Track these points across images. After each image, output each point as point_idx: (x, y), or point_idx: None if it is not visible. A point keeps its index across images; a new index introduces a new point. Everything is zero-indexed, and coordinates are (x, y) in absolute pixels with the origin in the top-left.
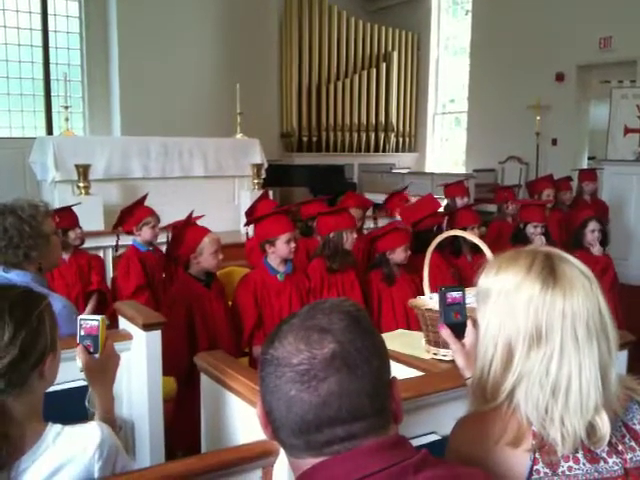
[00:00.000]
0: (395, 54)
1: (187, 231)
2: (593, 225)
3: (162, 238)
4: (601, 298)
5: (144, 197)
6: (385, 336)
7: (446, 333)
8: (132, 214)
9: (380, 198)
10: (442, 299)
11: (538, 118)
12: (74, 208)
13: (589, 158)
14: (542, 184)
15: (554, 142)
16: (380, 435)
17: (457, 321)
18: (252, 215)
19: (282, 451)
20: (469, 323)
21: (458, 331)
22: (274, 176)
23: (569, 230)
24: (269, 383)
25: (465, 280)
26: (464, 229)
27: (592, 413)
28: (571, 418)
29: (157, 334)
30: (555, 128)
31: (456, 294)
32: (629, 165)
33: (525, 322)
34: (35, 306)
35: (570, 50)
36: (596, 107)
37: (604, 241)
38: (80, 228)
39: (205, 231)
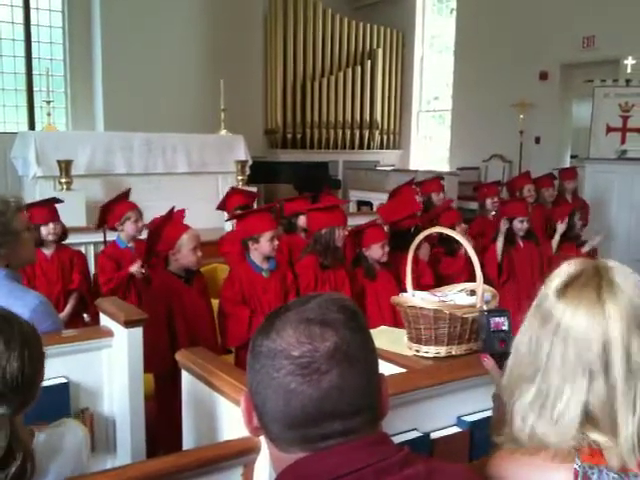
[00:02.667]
0: (380, 52)
1: (165, 227)
2: (579, 215)
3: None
4: None
5: (125, 192)
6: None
7: (490, 364)
8: (112, 210)
9: (364, 195)
10: (486, 324)
11: (522, 116)
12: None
13: (572, 156)
14: (521, 181)
15: (537, 140)
16: (372, 431)
17: (502, 350)
18: (224, 208)
19: (264, 448)
20: None
21: (502, 361)
22: (258, 173)
23: (551, 227)
24: (265, 375)
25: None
26: (452, 228)
27: None
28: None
29: (139, 331)
30: (538, 126)
31: (499, 319)
32: (611, 164)
33: (587, 352)
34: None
35: (554, 49)
36: (579, 106)
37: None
38: (57, 223)
39: (184, 227)
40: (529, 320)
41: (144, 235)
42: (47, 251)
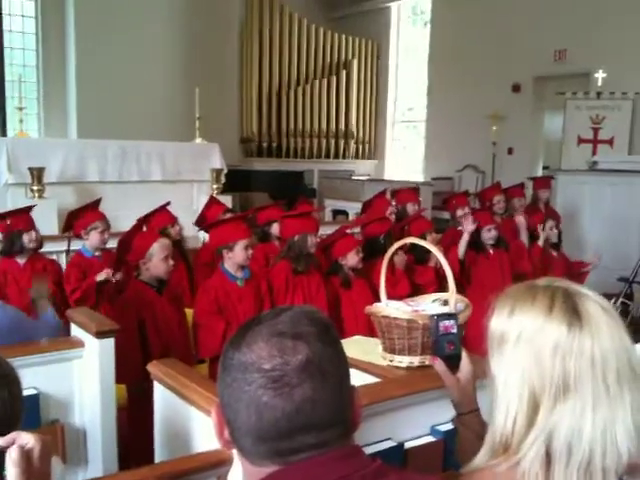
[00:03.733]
0: (355, 62)
1: (135, 237)
2: (550, 223)
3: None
4: (624, 334)
5: (96, 201)
6: (342, 342)
7: (440, 367)
8: (80, 217)
9: (340, 204)
10: (434, 328)
11: (495, 128)
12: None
13: (544, 167)
14: (490, 191)
15: (510, 151)
16: (345, 443)
17: (451, 353)
18: (203, 222)
19: (236, 460)
20: (464, 355)
21: (452, 363)
22: (234, 181)
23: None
24: (236, 389)
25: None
26: (422, 237)
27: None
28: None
29: (110, 341)
30: (511, 138)
31: (449, 322)
32: (582, 175)
33: (551, 370)
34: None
35: (526, 62)
36: (551, 118)
37: (558, 244)
38: (36, 231)
39: (154, 236)
40: (492, 360)
41: (111, 244)
42: (20, 260)
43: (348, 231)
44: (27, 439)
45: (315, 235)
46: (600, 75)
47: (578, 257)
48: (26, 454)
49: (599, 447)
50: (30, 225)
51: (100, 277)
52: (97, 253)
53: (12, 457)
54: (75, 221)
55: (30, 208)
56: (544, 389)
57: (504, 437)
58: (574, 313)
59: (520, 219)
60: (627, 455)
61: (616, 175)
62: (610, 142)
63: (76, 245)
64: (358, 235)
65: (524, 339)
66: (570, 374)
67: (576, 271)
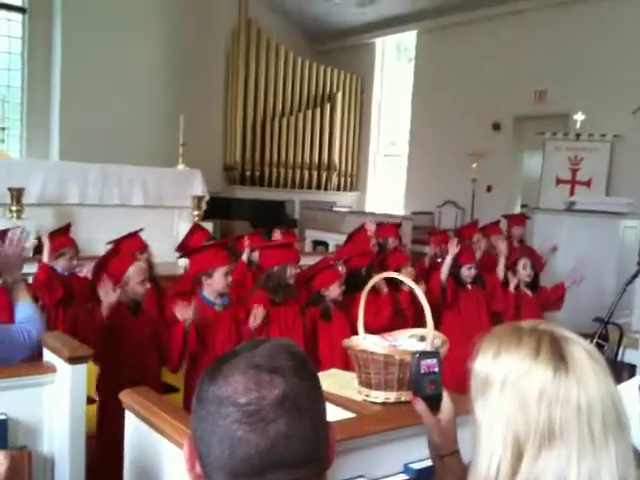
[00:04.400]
0: (339, 95)
1: (111, 260)
2: (524, 261)
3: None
4: (610, 379)
5: (67, 226)
6: (319, 375)
7: (421, 408)
8: (50, 242)
9: (320, 235)
10: (416, 367)
11: (474, 165)
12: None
13: (522, 206)
14: (470, 230)
15: (489, 189)
16: None
17: (432, 393)
18: (184, 249)
19: None
20: (445, 395)
21: (433, 404)
22: (215, 208)
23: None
24: (210, 422)
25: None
26: (398, 269)
27: None
28: None
29: (83, 367)
30: (490, 175)
31: (431, 361)
32: (559, 214)
33: (537, 417)
34: None
35: (507, 101)
36: (530, 157)
37: (534, 282)
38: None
39: (130, 260)
40: (476, 404)
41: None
42: None
43: (331, 263)
44: None
45: (295, 266)
46: (579, 117)
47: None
48: None
49: None
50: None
51: None
52: (67, 273)
53: None
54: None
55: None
56: (529, 436)
57: None
58: (560, 358)
59: (501, 247)
60: None
61: (593, 216)
62: (588, 183)
63: None
64: (341, 267)
65: (509, 383)
66: (556, 421)
67: (552, 299)
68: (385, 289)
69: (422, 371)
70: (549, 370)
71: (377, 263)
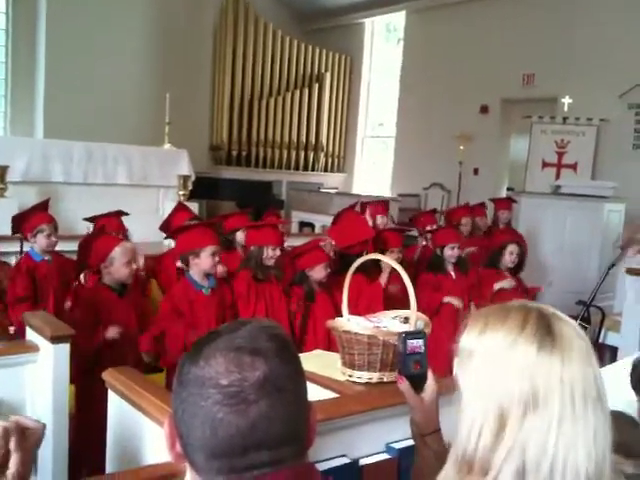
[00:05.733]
0: (328, 75)
1: (96, 240)
2: (512, 248)
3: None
4: (595, 360)
5: (44, 202)
6: (302, 356)
7: (404, 387)
8: (27, 219)
9: (307, 216)
10: (402, 347)
11: (462, 147)
12: None
13: (508, 189)
14: (459, 212)
15: (476, 172)
16: (299, 461)
17: (417, 372)
18: (168, 228)
19: (188, 474)
20: (430, 375)
21: (417, 383)
22: (201, 188)
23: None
24: (191, 404)
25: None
26: (384, 251)
27: None
28: None
29: (65, 347)
30: (477, 158)
31: (417, 342)
32: (545, 198)
33: (520, 386)
34: None
35: (495, 84)
36: (517, 140)
37: (519, 267)
38: None
39: (115, 240)
40: (459, 375)
41: (69, 246)
42: None
43: (321, 244)
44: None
45: (274, 248)
46: (567, 101)
47: (539, 280)
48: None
49: (560, 466)
50: None
51: None
52: (47, 257)
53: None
54: (22, 223)
55: None
56: (512, 404)
57: (468, 452)
58: (547, 333)
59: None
60: (585, 477)
61: (578, 200)
62: (574, 167)
63: (28, 246)
64: (327, 247)
65: (493, 355)
66: (538, 390)
67: (530, 295)
68: (386, 271)
69: (408, 351)
70: (534, 344)
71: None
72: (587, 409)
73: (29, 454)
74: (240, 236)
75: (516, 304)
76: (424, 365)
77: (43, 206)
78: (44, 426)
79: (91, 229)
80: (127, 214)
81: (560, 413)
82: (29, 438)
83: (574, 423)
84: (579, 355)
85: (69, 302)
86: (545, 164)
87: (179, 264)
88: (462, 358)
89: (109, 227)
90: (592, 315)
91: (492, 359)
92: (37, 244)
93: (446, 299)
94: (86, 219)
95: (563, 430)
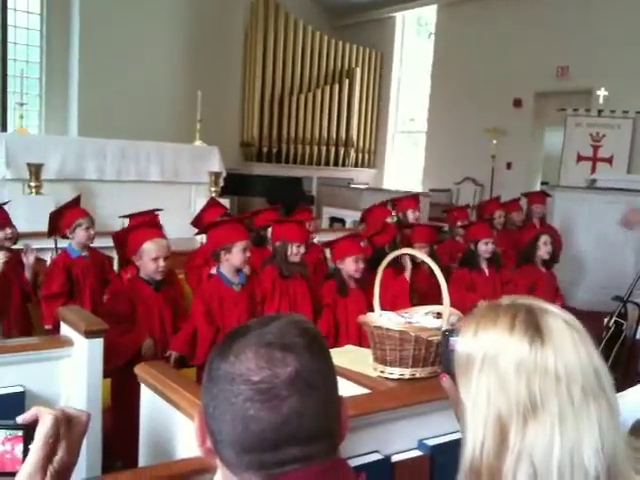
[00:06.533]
0: (358, 70)
1: (128, 234)
2: (545, 238)
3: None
4: (592, 350)
5: (77, 198)
6: (334, 352)
7: (447, 383)
8: (63, 217)
9: (337, 212)
10: (444, 344)
11: (494, 142)
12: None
13: (542, 183)
14: (491, 206)
15: (509, 166)
16: (330, 456)
17: None
18: (200, 224)
19: (219, 469)
20: None
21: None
22: (232, 185)
23: (519, 251)
24: (222, 400)
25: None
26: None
27: None
28: None
29: (99, 341)
30: (510, 152)
31: (456, 339)
32: (580, 192)
33: (517, 391)
34: None
35: (528, 77)
36: (551, 134)
37: (552, 260)
38: (12, 227)
39: (148, 235)
40: (460, 385)
41: (101, 243)
42: None
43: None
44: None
45: (299, 245)
46: (602, 93)
47: (574, 274)
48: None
49: (568, 467)
50: (4, 222)
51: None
52: (84, 253)
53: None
54: (58, 221)
55: (4, 204)
56: (511, 412)
57: (474, 462)
58: (536, 330)
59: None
60: (595, 473)
61: (614, 194)
62: (609, 160)
63: (63, 244)
64: (365, 244)
65: (488, 361)
66: (536, 393)
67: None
68: (408, 267)
69: (450, 348)
70: (524, 342)
71: (401, 238)
72: (588, 403)
73: (75, 443)
74: (270, 233)
75: (504, 302)
76: None
77: (76, 202)
78: (89, 415)
79: (126, 225)
80: (161, 210)
81: (560, 412)
82: (74, 428)
83: (577, 420)
84: (572, 346)
85: (107, 296)
86: (580, 157)
87: (213, 271)
88: (460, 364)
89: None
90: (629, 311)
91: (487, 365)
92: (76, 239)
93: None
94: (123, 216)
95: (566, 429)
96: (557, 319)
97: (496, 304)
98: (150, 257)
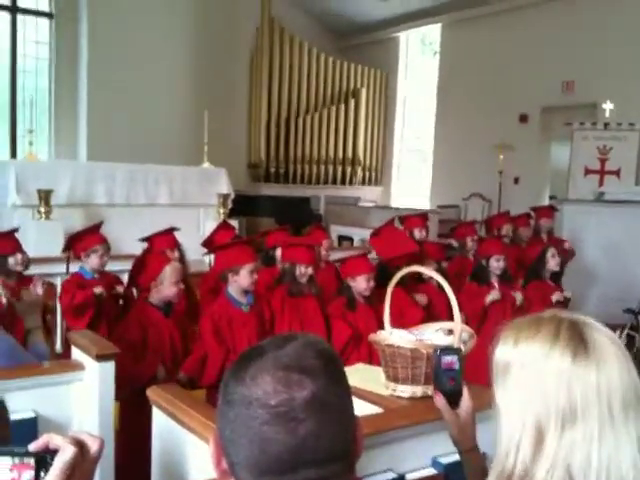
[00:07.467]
0: (364, 90)
1: (149, 259)
2: (552, 250)
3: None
4: (632, 366)
5: (98, 224)
6: (345, 370)
7: (440, 402)
8: (81, 240)
9: (345, 230)
10: (437, 363)
11: (501, 157)
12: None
13: (550, 197)
14: (500, 220)
15: (516, 181)
16: (346, 477)
17: (452, 388)
18: (210, 246)
19: None
20: (465, 391)
21: (452, 399)
22: (240, 206)
23: (525, 266)
24: (239, 425)
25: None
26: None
27: None
28: None
29: (111, 365)
30: (517, 167)
31: (451, 358)
32: (588, 205)
33: (556, 398)
34: None
35: (534, 92)
36: (558, 148)
37: (560, 273)
38: (23, 253)
39: (166, 260)
40: (496, 390)
41: (113, 267)
42: (9, 282)
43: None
44: (59, 442)
45: (306, 266)
46: (608, 106)
47: (583, 287)
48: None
49: (604, 479)
50: (15, 248)
51: (97, 290)
52: (96, 275)
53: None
54: (76, 243)
55: (15, 230)
56: (549, 418)
57: (507, 467)
58: (580, 342)
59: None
60: None
61: (622, 206)
62: (617, 173)
63: (74, 267)
64: (374, 261)
65: (528, 367)
66: (576, 401)
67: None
68: (424, 297)
69: (443, 367)
70: (567, 352)
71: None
72: (628, 418)
73: (88, 471)
74: (279, 253)
75: (547, 314)
76: (459, 381)
77: (97, 227)
78: (102, 441)
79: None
80: (178, 229)
81: (600, 424)
82: (87, 454)
83: (615, 434)
84: (615, 362)
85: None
86: (588, 171)
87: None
88: (498, 371)
89: (164, 244)
90: None
91: (528, 371)
92: (89, 263)
93: (488, 298)
94: (142, 239)
95: (605, 442)
96: (601, 333)
97: (538, 316)
98: (171, 281)
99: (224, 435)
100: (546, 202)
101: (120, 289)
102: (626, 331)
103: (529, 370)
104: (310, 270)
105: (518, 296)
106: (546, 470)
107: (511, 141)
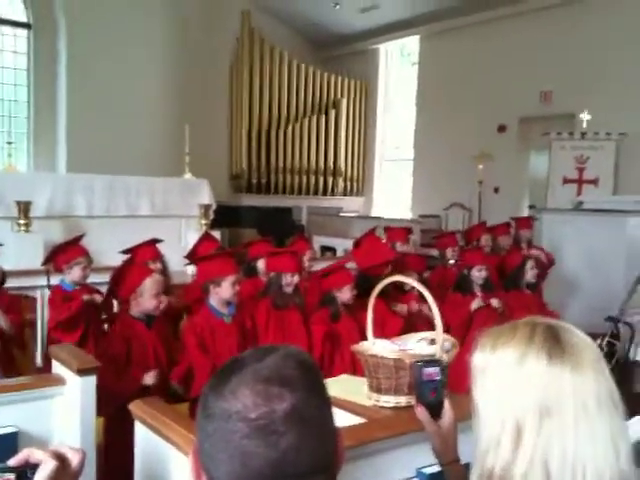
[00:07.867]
0: (344, 101)
1: (128, 271)
2: (531, 263)
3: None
4: (607, 370)
5: (79, 237)
6: (328, 381)
7: (422, 414)
8: (64, 252)
9: (328, 241)
10: (418, 375)
11: (481, 167)
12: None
13: (530, 206)
14: (478, 231)
15: (496, 190)
16: None
17: (433, 400)
18: (194, 257)
19: None
20: (446, 402)
21: (434, 411)
22: (222, 217)
23: (505, 275)
24: (218, 439)
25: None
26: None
27: None
28: None
29: (92, 379)
30: (497, 177)
31: (432, 370)
32: (567, 214)
33: (533, 397)
34: None
35: (512, 103)
36: (536, 158)
37: (537, 283)
38: None
39: (147, 272)
40: (475, 392)
41: (94, 279)
42: None
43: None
44: (40, 457)
45: (293, 274)
46: (585, 117)
47: (562, 296)
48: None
49: (580, 469)
50: None
51: (85, 296)
52: (77, 287)
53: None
54: (58, 255)
55: None
56: (526, 414)
57: (487, 466)
58: (556, 343)
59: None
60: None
61: (601, 215)
62: (595, 182)
63: (55, 280)
64: (353, 271)
65: (505, 369)
66: (552, 399)
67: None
68: (404, 307)
69: (424, 379)
70: (543, 354)
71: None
72: (602, 411)
73: None
74: (262, 264)
75: (523, 320)
76: (440, 393)
77: (79, 239)
78: (84, 453)
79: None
80: (161, 241)
81: (575, 417)
82: (68, 468)
83: (591, 428)
84: (590, 364)
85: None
86: (566, 180)
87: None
88: (476, 375)
89: (146, 255)
90: (621, 331)
91: (504, 372)
92: (71, 275)
93: (473, 305)
94: (123, 251)
95: (580, 435)
96: (577, 335)
97: (514, 322)
98: (151, 293)
99: (203, 449)
100: (525, 211)
101: (99, 298)
102: (607, 339)
103: (506, 372)
104: (296, 278)
105: (494, 302)
106: (525, 467)
107: (490, 151)
